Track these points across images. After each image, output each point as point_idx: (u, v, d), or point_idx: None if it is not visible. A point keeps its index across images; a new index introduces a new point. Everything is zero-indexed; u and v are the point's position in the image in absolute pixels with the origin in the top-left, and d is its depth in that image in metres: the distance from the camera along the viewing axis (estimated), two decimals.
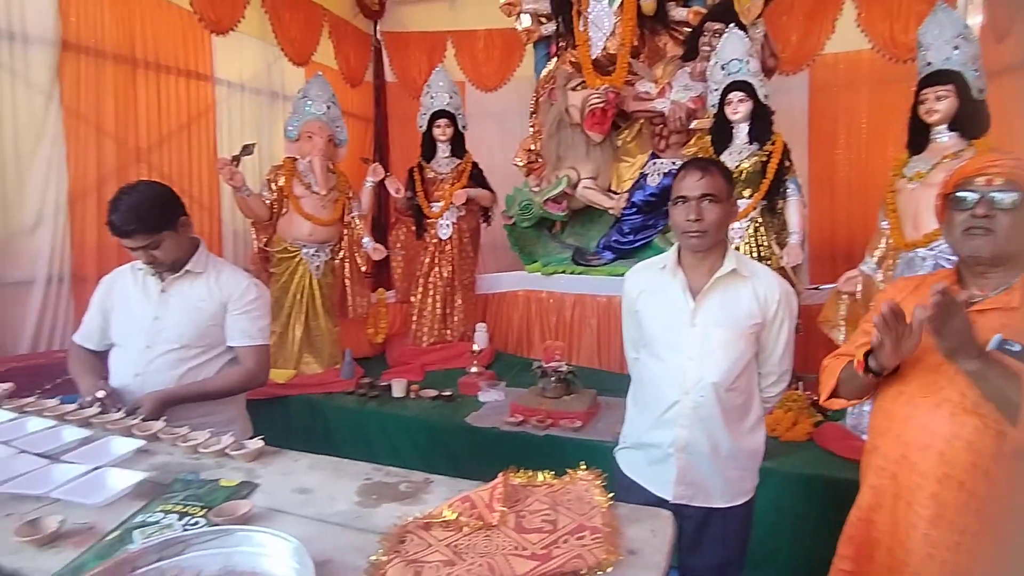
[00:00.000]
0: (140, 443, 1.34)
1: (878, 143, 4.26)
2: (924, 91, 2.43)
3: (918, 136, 2.50)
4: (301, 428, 3.20)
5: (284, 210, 3.46)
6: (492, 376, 3.51)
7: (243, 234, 4.00)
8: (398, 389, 3.27)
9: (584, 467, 1.15)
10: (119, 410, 1.56)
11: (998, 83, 3.62)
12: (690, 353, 1.56)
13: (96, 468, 1.21)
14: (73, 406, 1.56)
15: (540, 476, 1.15)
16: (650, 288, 1.66)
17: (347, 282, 3.69)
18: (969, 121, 2.39)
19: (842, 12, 4.22)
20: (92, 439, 1.36)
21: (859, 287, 2.69)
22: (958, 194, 1.27)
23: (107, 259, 3.14)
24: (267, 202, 3.43)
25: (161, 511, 1.09)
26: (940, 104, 2.38)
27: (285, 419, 3.20)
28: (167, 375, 1.77)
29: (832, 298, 2.79)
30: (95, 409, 1.54)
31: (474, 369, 3.49)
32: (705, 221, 1.50)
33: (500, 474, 1.12)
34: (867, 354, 1.27)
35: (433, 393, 3.24)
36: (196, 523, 1.05)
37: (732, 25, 3.16)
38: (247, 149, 3.33)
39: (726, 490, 1.61)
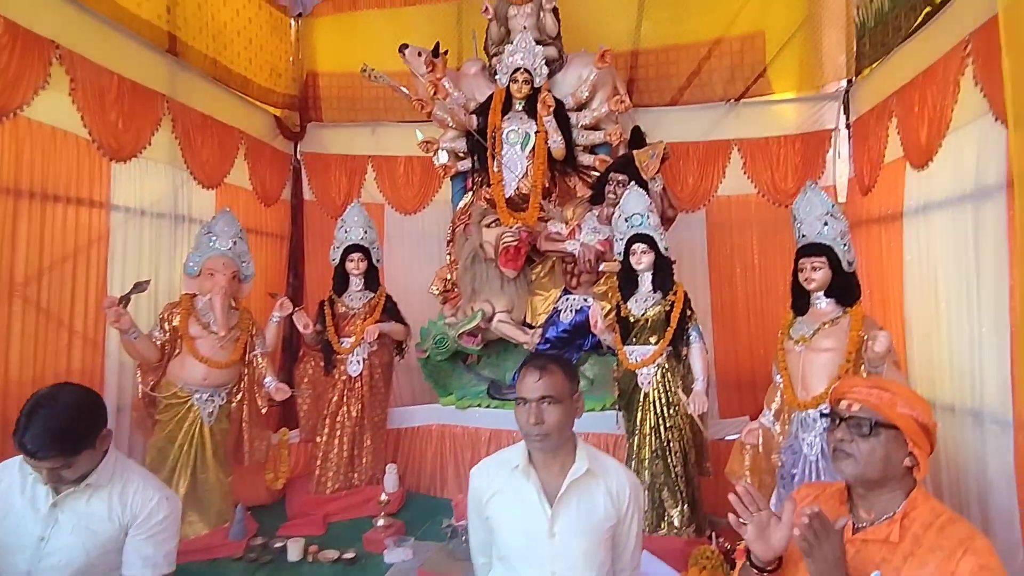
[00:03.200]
0: None
1: (770, 278, 4.62)
2: (802, 260, 2.63)
3: (801, 299, 2.69)
4: None
5: (177, 351, 3.22)
6: (400, 528, 3.28)
7: (130, 369, 3.65)
8: (294, 552, 2.98)
9: None
10: None
11: (866, 231, 4.09)
12: (552, 568, 1.47)
13: None
14: None
15: None
16: (503, 491, 1.55)
17: (245, 425, 3.41)
18: (842, 290, 2.59)
19: (730, 160, 4.68)
20: None
21: (760, 439, 2.77)
22: (831, 414, 1.33)
23: None
24: (158, 343, 3.19)
25: None
26: (816, 274, 2.58)
27: None
28: None
29: (736, 449, 2.85)
30: None
31: (381, 522, 3.24)
32: (546, 424, 1.47)
33: None
34: None
35: (334, 555, 2.98)
36: None
37: (632, 182, 3.39)
38: (139, 286, 3.12)
39: None
